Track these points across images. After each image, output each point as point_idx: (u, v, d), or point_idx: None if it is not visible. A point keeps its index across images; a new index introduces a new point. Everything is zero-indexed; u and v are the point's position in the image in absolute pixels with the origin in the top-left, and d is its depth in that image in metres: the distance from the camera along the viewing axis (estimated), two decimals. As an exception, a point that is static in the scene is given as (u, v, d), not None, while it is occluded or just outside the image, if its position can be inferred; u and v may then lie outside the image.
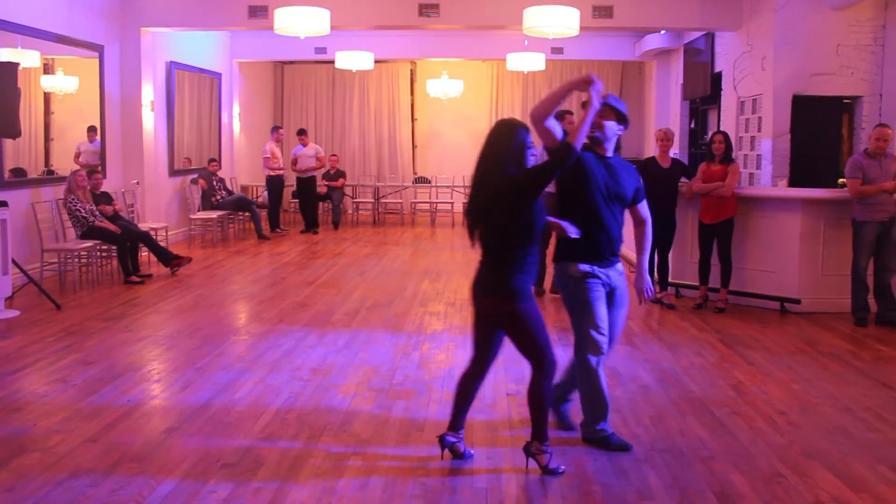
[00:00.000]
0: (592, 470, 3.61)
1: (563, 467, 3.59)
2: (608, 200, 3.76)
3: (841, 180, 7.81)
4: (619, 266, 3.90)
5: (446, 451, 3.71)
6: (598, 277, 3.78)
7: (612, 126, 3.78)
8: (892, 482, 3.54)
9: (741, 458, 3.77)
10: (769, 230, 7.05)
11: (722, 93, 10.62)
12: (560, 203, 3.84)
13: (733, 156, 7.13)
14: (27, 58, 8.10)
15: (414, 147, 16.02)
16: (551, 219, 3.63)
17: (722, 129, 10.20)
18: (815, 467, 3.68)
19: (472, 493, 3.40)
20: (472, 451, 3.78)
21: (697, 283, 7.19)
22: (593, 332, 3.75)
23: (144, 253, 8.92)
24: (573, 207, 3.78)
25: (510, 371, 5.05)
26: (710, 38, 11.15)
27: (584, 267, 3.76)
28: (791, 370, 5.24)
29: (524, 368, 4.93)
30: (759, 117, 9.43)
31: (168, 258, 8.60)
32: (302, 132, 12.92)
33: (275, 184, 12.42)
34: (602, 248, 3.77)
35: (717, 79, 10.92)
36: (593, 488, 3.44)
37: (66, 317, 6.58)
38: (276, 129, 12.81)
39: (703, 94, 11.59)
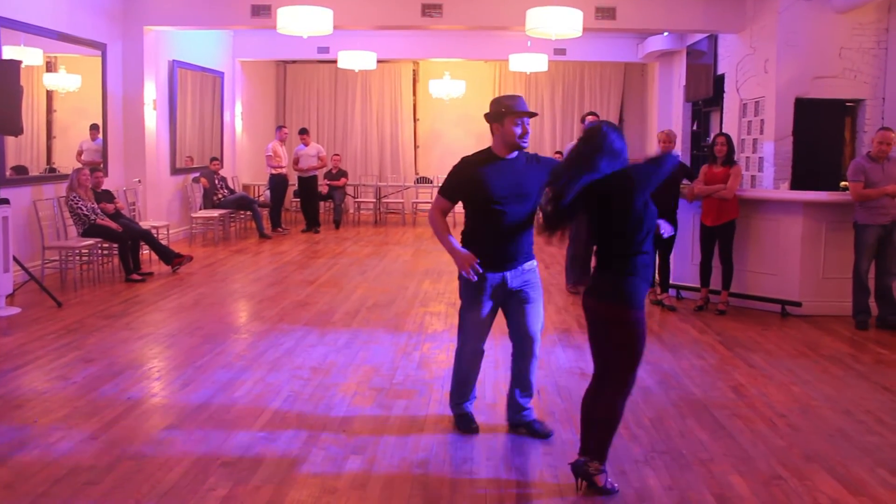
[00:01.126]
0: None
1: (617, 485, 3.42)
2: (507, 202, 3.78)
3: (843, 183, 7.80)
4: (528, 265, 3.92)
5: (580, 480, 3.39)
6: (488, 280, 3.85)
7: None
8: (892, 486, 3.53)
9: (741, 461, 3.77)
10: (771, 233, 7.04)
11: (724, 95, 10.62)
12: (465, 209, 3.96)
13: (735, 158, 7.13)
14: (30, 55, 8.11)
15: (416, 147, 16.02)
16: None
17: (724, 131, 10.21)
18: (815, 470, 3.67)
19: (471, 494, 3.40)
20: (616, 486, 3.41)
21: (698, 285, 7.18)
22: (473, 333, 3.98)
23: (146, 251, 8.92)
24: (474, 212, 3.91)
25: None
26: (712, 40, 11.15)
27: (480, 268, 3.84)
28: (791, 373, 5.23)
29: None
30: (762, 120, 9.43)
31: (169, 256, 8.61)
32: (304, 131, 12.92)
33: (278, 182, 12.43)
34: (497, 251, 3.83)
35: (719, 81, 10.92)
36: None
37: (66, 314, 6.59)
38: (280, 128, 12.82)
39: (706, 96, 11.59)
